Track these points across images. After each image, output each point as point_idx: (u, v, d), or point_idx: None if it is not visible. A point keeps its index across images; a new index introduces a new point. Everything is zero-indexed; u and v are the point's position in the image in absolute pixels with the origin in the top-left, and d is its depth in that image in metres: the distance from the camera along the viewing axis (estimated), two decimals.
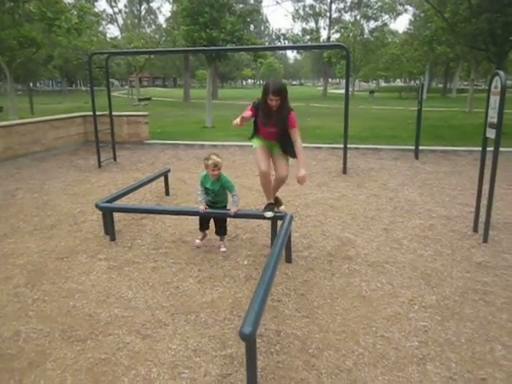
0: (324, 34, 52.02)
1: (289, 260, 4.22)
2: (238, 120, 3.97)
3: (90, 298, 3.57)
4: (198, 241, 4.62)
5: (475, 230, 4.98)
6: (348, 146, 8.22)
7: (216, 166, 4.21)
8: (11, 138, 9.34)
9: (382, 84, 74.20)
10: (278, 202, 4.66)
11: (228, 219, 4.59)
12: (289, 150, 4.23)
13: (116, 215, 5.04)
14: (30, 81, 32.55)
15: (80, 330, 3.11)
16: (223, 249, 4.51)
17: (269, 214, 4.27)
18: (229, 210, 4.39)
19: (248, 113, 4.06)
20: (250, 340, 2.38)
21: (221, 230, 4.57)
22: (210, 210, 4.44)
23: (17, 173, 8.38)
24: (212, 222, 4.63)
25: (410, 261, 4.25)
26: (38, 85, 62.85)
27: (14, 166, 8.89)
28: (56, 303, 3.49)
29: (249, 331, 2.35)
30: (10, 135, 9.29)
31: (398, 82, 73.66)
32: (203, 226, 4.63)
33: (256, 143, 4.30)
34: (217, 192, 4.40)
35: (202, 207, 4.41)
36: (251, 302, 2.63)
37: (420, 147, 9.69)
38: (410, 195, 6.61)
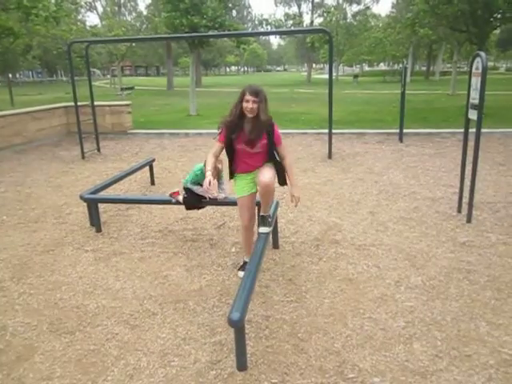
0: (307, 18, 51.52)
1: (276, 246, 4.23)
2: (208, 178, 3.17)
3: (77, 289, 3.55)
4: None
5: (459, 210, 5.05)
6: (333, 130, 8.22)
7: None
8: None
9: (366, 68, 74.29)
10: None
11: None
12: (278, 173, 3.47)
13: (101, 206, 4.99)
14: (9, 72, 31.80)
15: (68, 322, 3.10)
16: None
17: (264, 229, 3.55)
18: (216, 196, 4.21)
19: (217, 144, 3.34)
20: (238, 326, 2.40)
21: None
22: (212, 200, 4.19)
23: None
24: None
25: (395, 243, 4.30)
26: (17, 76, 61.49)
27: None
28: (43, 296, 3.46)
29: (237, 317, 2.36)
30: None
31: (382, 66, 73.82)
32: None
33: (238, 191, 3.50)
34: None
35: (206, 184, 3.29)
36: (239, 289, 2.65)
37: (404, 130, 9.75)
38: (394, 178, 6.66)
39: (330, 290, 3.45)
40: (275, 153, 3.38)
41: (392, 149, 8.94)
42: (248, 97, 3.15)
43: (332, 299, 3.31)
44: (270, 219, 3.63)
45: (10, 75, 33.11)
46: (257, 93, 3.17)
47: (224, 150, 3.41)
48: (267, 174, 3.30)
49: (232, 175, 3.54)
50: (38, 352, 2.78)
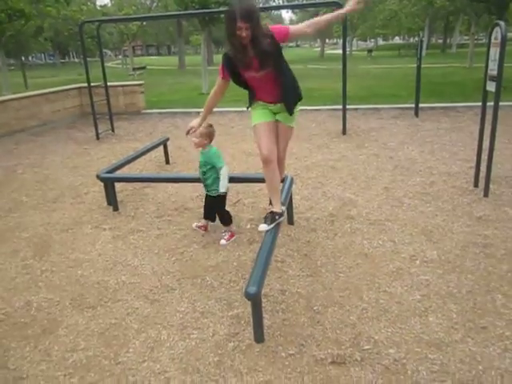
0: None
1: (291, 222, 4.26)
2: (192, 124, 3.41)
3: (97, 266, 3.64)
4: (195, 223, 4.24)
5: (476, 185, 4.99)
6: (347, 106, 8.14)
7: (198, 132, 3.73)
8: (7, 113, 9.26)
9: (381, 42, 72.65)
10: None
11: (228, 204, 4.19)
12: (291, 94, 3.25)
13: (118, 186, 5.06)
14: (22, 55, 31.94)
15: (89, 297, 3.19)
16: (222, 241, 3.93)
17: (263, 226, 3.25)
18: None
19: (220, 81, 3.21)
20: (255, 299, 2.45)
21: (222, 218, 4.02)
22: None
23: (15, 148, 8.36)
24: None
25: (411, 218, 4.28)
26: (30, 59, 61.73)
27: (11, 142, 8.85)
28: (64, 273, 3.56)
29: (254, 291, 2.41)
30: (5, 111, 9.22)
31: (397, 40, 72.12)
32: (206, 215, 4.15)
33: (256, 118, 3.30)
34: (203, 167, 3.85)
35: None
36: (255, 263, 2.69)
37: (420, 105, 9.59)
38: (410, 153, 6.59)
39: (345, 264, 3.47)
40: (282, 63, 3.07)
41: (407, 124, 8.82)
42: (240, 24, 2.73)
43: (347, 274, 3.34)
44: (276, 217, 3.32)
45: (23, 58, 33.27)
46: (249, 16, 2.73)
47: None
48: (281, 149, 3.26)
49: (250, 103, 3.35)
50: (62, 326, 2.88)
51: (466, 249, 3.62)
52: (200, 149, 3.87)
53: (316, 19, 3.05)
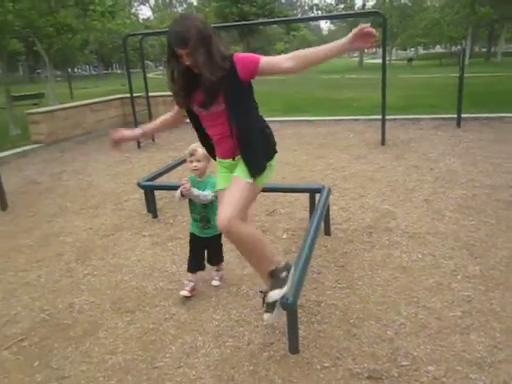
0: (359, 1, 50.21)
1: (328, 233, 4.22)
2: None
3: (136, 272, 3.73)
4: (184, 291, 3.22)
5: None
6: (386, 116, 8.01)
7: (192, 155, 3.02)
8: (54, 122, 9.70)
9: (421, 51, 71.35)
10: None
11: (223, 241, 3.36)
12: (254, 154, 2.36)
13: (157, 193, 5.18)
14: (68, 66, 33.39)
15: (129, 301, 3.27)
16: (215, 282, 3.42)
17: (267, 315, 2.52)
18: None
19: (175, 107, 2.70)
20: (291, 309, 2.44)
21: (214, 258, 3.40)
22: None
23: (61, 156, 8.72)
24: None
25: (452, 231, 4.16)
26: (75, 70, 64.43)
27: (57, 150, 9.25)
28: (105, 277, 3.67)
29: (290, 300, 2.41)
30: (52, 120, 9.65)
31: (438, 49, 70.60)
32: (193, 263, 3.27)
33: (218, 182, 2.69)
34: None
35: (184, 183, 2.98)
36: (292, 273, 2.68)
37: (462, 115, 9.32)
38: (451, 165, 6.42)
39: (382, 277, 3.41)
40: (243, 105, 2.35)
41: (449, 135, 8.59)
42: (178, 50, 2.14)
43: (385, 287, 3.28)
44: (283, 273, 2.50)
45: (69, 69, 34.75)
46: (184, 40, 2.08)
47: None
48: (226, 212, 2.24)
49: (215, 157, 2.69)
50: (102, 328, 2.96)
51: (511, 265, 3.48)
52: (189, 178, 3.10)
53: (303, 51, 2.24)
